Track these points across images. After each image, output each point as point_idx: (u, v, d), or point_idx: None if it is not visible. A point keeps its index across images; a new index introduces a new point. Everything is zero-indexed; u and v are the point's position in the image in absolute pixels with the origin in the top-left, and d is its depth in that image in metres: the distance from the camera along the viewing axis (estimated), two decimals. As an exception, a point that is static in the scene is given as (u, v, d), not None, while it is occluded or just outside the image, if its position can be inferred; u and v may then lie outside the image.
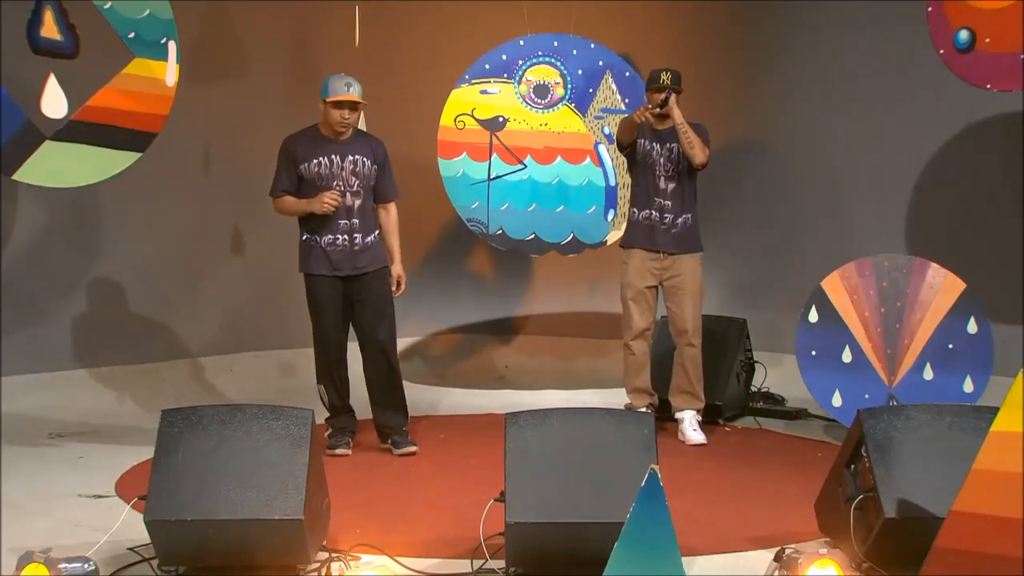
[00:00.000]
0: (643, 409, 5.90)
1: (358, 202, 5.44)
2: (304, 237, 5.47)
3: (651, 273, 5.94)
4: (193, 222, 7.28)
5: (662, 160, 5.91)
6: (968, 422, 3.73)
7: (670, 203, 5.91)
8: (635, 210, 6.00)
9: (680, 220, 5.91)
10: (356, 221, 5.42)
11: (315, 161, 5.39)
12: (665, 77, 5.86)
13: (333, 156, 5.40)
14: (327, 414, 5.63)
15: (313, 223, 5.41)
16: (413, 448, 5.54)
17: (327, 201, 5.33)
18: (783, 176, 7.67)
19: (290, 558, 3.69)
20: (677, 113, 5.79)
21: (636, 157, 5.96)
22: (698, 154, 5.78)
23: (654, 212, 5.91)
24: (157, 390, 6.80)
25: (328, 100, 5.36)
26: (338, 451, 5.52)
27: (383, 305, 5.53)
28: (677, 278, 5.92)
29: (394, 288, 5.57)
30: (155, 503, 3.59)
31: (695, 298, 5.93)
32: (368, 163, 5.46)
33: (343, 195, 5.39)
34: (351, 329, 5.60)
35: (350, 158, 5.42)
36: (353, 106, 5.38)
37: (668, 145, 5.91)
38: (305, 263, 5.49)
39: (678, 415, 5.96)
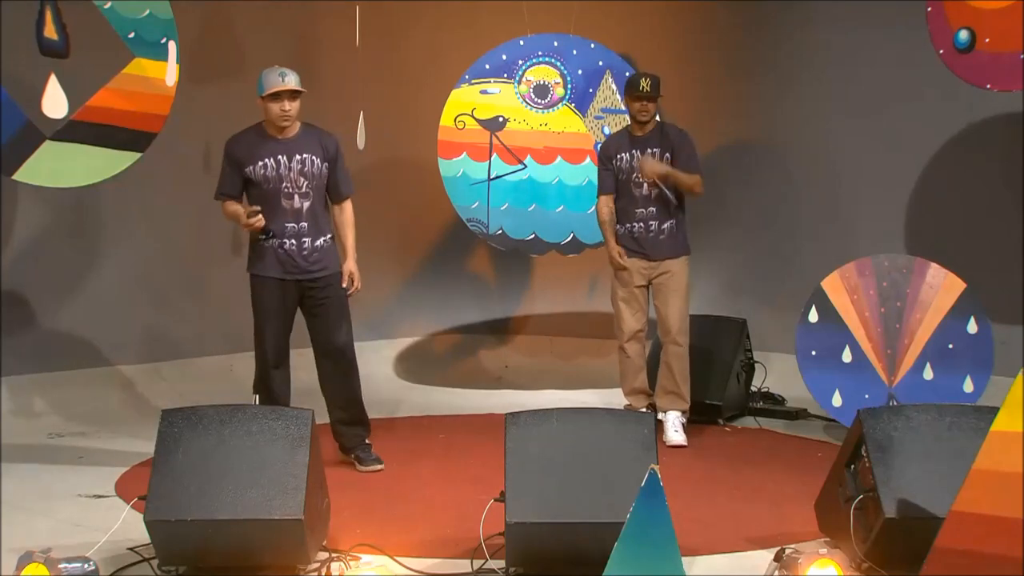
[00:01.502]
0: (643, 409, 5.88)
1: (307, 204, 5.11)
2: (255, 238, 5.16)
3: (640, 274, 5.91)
4: (193, 222, 7.28)
5: None
6: (968, 422, 3.74)
7: (655, 209, 5.85)
8: (620, 225, 5.95)
9: (666, 226, 5.87)
10: (305, 224, 5.11)
11: (260, 163, 5.08)
12: (645, 84, 5.76)
13: (279, 156, 5.09)
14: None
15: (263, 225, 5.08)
16: (379, 466, 5.28)
17: (251, 222, 5.01)
18: (783, 176, 7.67)
19: (290, 558, 3.69)
20: (661, 172, 5.73)
21: (617, 176, 5.93)
22: (694, 188, 5.81)
23: (638, 224, 5.88)
24: (157, 390, 6.80)
25: (265, 95, 5.03)
26: None
27: (338, 311, 5.23)
28: (664, 276, 5.89)
29: (344, 284, 5.20)
30: (155, 503, 3.59)
31: (681, 297, 5.89)
32: (318, 162, 5.14)
33: (291, 197, 5.08)
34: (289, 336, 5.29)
35: (297, 157, 5.10)
36: (292, 95, 5.03)
37: (650, 150, 5.84)
38: (252, 263, 5.18)
39: (661, 416, 5.84)
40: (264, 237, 5.12)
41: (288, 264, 5.12)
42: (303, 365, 7.66)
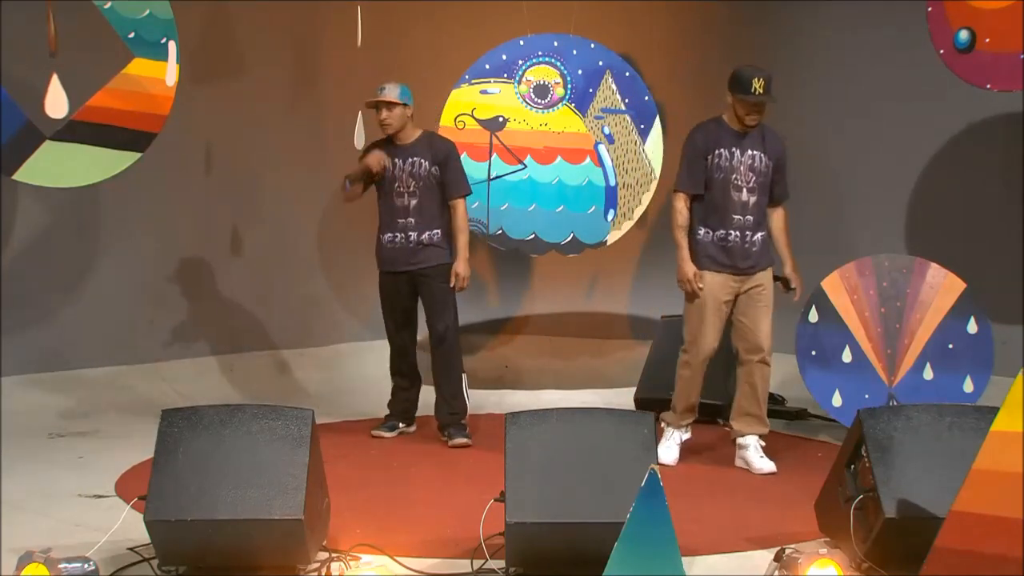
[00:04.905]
0: (685, 426, 5.48)
1: (414, 202, 5.74)
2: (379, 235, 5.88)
3: (728, 288, 5.32)
4: (193, 222, 7.28)
5: (742, 168, 5.30)
6: (968, 422, 3.74)
7: (752, 218, 5.32)
8: (707, 230, 5.31)
9: (759, 236, 5.36)
10: (411, 220, 5.75)
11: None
12: (758, 85, 5.13)
13: (396, 160, 5.76)
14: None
15: (379, 221, 5.86)
16: (464, 440, 5.77)
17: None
18: (783, 176, 7.66)
19: (290, 558, 3.69)
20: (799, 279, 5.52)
21: (712, 173, 5.30)
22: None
23: (733, 232, 5.30)
24: (157, 390, 6.80)
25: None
26: (383, 433, 6.00)
27: (442, 300, 5.81)
28: (755, 289, 5.36)
29: (452, 283, 5.76)
30: (155, 503, 3.59)
31: (770, 312, 5.39)
32: (426, 164, 5.75)
33: (401, 196, 5.74)
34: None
35: (410, 160, 5.75)
36: (387, 106, 5.69)
37: (751, 152, 5.31)
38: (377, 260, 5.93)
39: (741, 440, 5.39)
40: (379, 232, 5.85)
41: (393, 258, 5.81)
42: (304, 364, 7.68)
